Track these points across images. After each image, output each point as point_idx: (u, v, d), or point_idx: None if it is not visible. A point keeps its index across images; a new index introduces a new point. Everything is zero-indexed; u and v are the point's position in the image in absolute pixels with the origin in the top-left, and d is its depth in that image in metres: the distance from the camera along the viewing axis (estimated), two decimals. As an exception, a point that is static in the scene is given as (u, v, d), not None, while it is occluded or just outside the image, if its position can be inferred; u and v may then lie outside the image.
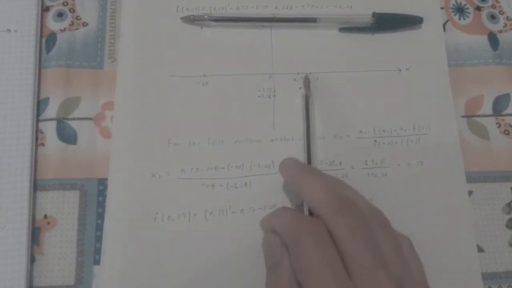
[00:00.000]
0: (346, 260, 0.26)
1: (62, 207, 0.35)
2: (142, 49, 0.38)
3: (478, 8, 0.41)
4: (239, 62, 0.38)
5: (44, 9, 0.39)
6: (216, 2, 0.40)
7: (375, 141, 0.37)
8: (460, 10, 0.41)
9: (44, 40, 0.38)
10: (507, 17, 0.41)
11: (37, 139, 0.36)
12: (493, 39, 0.40)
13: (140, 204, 0.35)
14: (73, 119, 0.37)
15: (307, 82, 0.37)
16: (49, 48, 0.38)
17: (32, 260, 0.34)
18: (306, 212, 0.31)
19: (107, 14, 0.39)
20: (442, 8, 0.41)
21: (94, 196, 0.35)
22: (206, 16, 0.39)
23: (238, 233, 0.34)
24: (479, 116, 0.38)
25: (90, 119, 0.37)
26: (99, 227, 0.34)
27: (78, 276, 0.33)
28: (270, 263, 0.31)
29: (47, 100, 0.37)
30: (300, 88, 0.38)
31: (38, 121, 0.36)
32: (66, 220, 0.35)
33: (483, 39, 0.40)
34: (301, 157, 0.35)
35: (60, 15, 0.39)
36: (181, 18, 0.39)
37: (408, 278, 0.27)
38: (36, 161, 0.35)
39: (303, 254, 0.27)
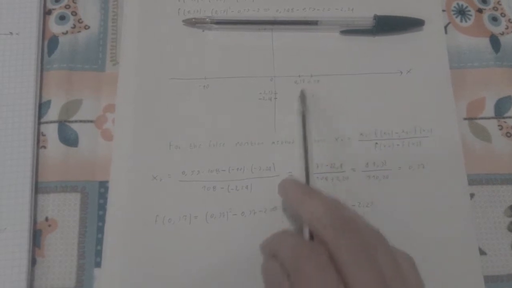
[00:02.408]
0: (348, 283, 0.26)
1: (63, 209, 0.35)
2: (144, 52, 0.38)
3: (480, 10, 0.41)
4: (240, 64, 0.38)
5: (46, 12, 0.39)
6: (217, 5, 0.40)
7: (376, 143, 0.37)
8: (461, 12, 0.41)
9: (46, 43, 0.39)
10: (509, 19, 0.41)
11: (39, 141, 0.36)
12: (494, 41, 0.40)
13: (141, 206, 0.35)
14: (75, 121, 0.37)
15: (303, 98, 0.36)
16: (51, 51, 0.38)
17: (33, 262, 0.34)
18: (306, 235, 0.30)
19: (109, 17, 0.40)
20: (443, 10, 0.41)
21: (95, 198, 0.35)
22: (207, 19, 0.39)
23: (239, 236, 0.34)
24: (481, 118, 0.38)
25: (91, 121, 0.37)
26: (100, 230, 0.34)
27: (79, 278, 0.34)
28: None
29: (48, 102, 0.37)
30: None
31: (39, 123, 0.37)
32: (67, 222, 0.35)
33: (485, 42, 0.40)
34: (301, 160, 0.35)
35: (62, 18, 0.39)
36: (183, 21, 0.39)
37: None
38: (37, 164, 0.36)
39: (304, 281, 0.27)
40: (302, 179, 0.33)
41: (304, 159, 0.34)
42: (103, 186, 0.35)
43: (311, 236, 0.30)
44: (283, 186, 0.33)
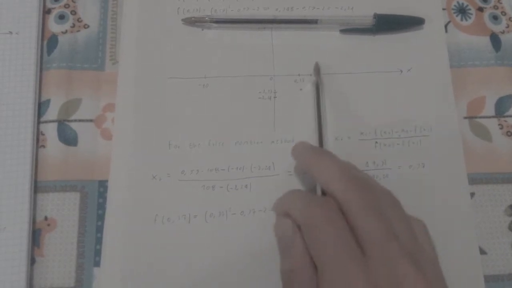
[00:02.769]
0: (358, 235, 0.26)
1: (63, 208, 0.35)
2: (143, 51, 0.38)
3: (480, 9, 0.41)
4: (239, 63, 0.38)
5: (46, 12, 0.39)
6: (217, 4, 0.40)
7: (376, 142, 0.37)
8: (462, 11, 0.41)
9: (45, 42, 0.39)
10: (510, 18, 0.41)
11: (38, 140, 0.36)
12: (495, 40, 0.40)
13: (141, 206, 0.35)
14: (74, 121, 0.37)
15: (317, 69, 0.37)
16: (50, 50, 0.38)
17: (32, 261, 0.34)
18: (318, 192, 0.31)
19: (108, 16, 0.39)
20: (444, 9, 0.41)
21: (94, 198, 0.35)
22: (207, 18, 0.39)
23: (238, 235, 0.34)
24: (481, 117, 0.38)
25: (91, 121, 0.37)
26: (100, 229, 0.34)
27: (78, 278, 0.33)
28: (283, 246, 0.31)
29: (48, 102, 0.37)
30: (301, 89, 0.38)
31: (39, 123, 0.37)
32: (66, 221, 0.35)
33: (485, 40, 0.40)
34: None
35: (61, 17, 0.39)
36: (182, 20, 0.39)
37: (421, 255, 0.27)
38: (36, 163, 0.35)
39: (315, 231, 0.27)
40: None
41: (318, 126, 0.35)
42: (103, 185, 0.35)
43: (323, 195, 0.30)
44: (297, 148, 0.34)
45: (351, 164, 0.32)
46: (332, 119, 0.37)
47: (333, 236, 0.26)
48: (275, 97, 0.38)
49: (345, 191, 0.28)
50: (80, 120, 0.37)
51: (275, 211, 0.34)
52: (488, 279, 0.34)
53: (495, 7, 0.41)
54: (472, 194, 0.36)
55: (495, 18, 0.41)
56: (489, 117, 0.38)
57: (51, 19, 0.39)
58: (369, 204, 0.27)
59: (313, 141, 0.35)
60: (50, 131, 0.36)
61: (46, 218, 0.35)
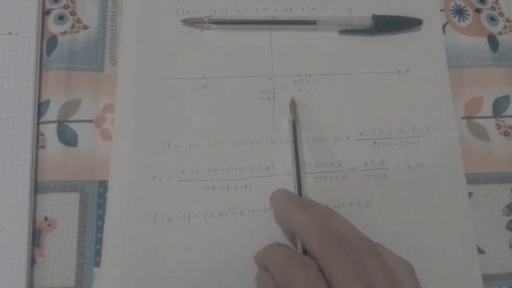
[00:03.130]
0: None
1: (63, 209, 0.35)
2: (143, 52, 0.38)
3: (478, 10, 0.41)
4: (239, 64, 0.38)
5: (45, 12, 0.39)
6: (216, 5, 0.40)
7: (375, 142, 0.37)
8: (459, 12, 0.41)
9: (45, 43, 0.39)
10: (507, 19, 0.41)
11: (38, 141, 0.36)
12: (492, 41, 0.40)
13: (140, 206, 0.35)
14: (74, 121, 0.37)
15: (293, 106, 0.36)
16: (50, 51, 0.38)
17: (32, 262, 0.34)
18: (299, 248, 0.31)
19: (107, 17, 0.40)
20: (441, 10, 0.41)
21: (94, 198, 0.35)
22: (206, 19, 0.39)
23: (238, 235, 0.34)
24: (479, 117, 0.38)
25: (90, 121, 0.37)
26: (100, 229, 0.34)
27: (79, 278, 0.34)
28: None
29: (47, 102, 0.37)
30: (300, 90, 0.38)
31: (39, 123, 0.37)
32: (66, 222, 0.35)
33: (483, 41, 0.40)
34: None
35: (61, 18, 0.39)
36: (182, 20, 0.39)
37: None
38: (36, 163, 0.36)
39: None
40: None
41: (296, 169, 0.34)
42: (103, 185, 0.35)
43: (304, 251, 0.30)
44: (275, 198, 0.33)
45: (329, 212, 0.31)
46: (331, 120, 0.37)
47: None
48: (274, 98, 0.38)
49: (323, 251, 0.28)
50: (79, 121, 0.37)
51: (256, 262, 0.33)
52: (486, 278, 0.34)
53: (492, 8, 0.42)
54: (470, 194, 0.36)
55: (492, 19, 0.41)
56: (487, 117, 0.38)
57: (51, 19, 0.39)
58: (347, 263, 0.27)
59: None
60: (50, 131, 0.36)
61: (46, 219, 0.35)
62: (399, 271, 0.28)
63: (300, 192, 0.33)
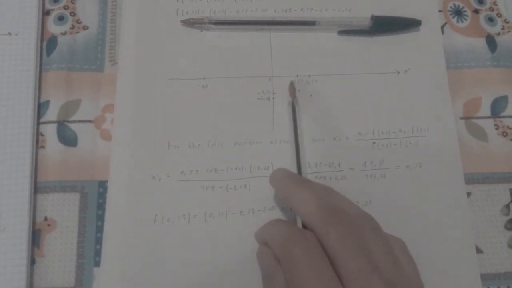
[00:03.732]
0: (338, 269, 0.26)
1: (63, 209, 0.35)
2: (142, 52, 0.38)
3: (476, 11, 0.42)
4: (238, 64, 0.38)
5: (45, 13, 0.40)
6: (215, 6, 0.40)
7: (374, 143, 0.37)
8: (458, 12, 0.41)
9: (45, 43, 0.39)
10: (505, 20, 0.41)
11: (38, 141, 0.36)
12: (491, 42, 0.41)
13: (140, 206, 0.35)
14: (74, 121, 0.37)
15: (292, 89, 0.37)
16: (49, 51, 0.38)
17: (32, 262, 0.34)
18: (299, 223, 0.31)
19: (107, 17, 0.40)
20: (440, 10, 0.41)
21: (94, 198, 0.35)
22: (205, 20, 0.39)
23: (237, 235, 0.34)
24: (477, 118, 0.39)
25: (90, 121, 0.37)
26: (99, 229, 0.34)
27: (78, 278, 0.34)
28: (264, 275, 0.31)
29: (47, 103, 0.37)
30: (299, 90, 0.38)
31: (38, 123, 0.37)
32: (66, 222, 0.35)
33: (481, 42, 0.41)
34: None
35: (60, 18, 0.39)
36: (181, 21, 0.39)
37: (402, 281, 0.27)
38: (36, 164, 0.36)
39: (294, 267, 0.27)
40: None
41: (296, 149, 0.34)
42: (102, 185, 0.35)
43: (304, 226, 0.30)
44: (274, 177, 0.33)
45: (328, 189, 0.31)
46: (330, 120, 0.37)
47: (311, 272, 0.26)
48: (273, 98, 0.38)
49: (323, 225, 0.28)
50: (79, 121, 0.37)
51: (256, 239, 0.33)
52: (484, 277, 0.35)
53: (491, 9, 0.42)
54: (469, 194, 0.36)
55: (490, 20, 0.41)
56: (485, 117, 0.39)
57: (51, 20, 0.39)
58: (347, 236, 0.27)
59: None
60: (50, 132, 0.36)
61: (46, 219, 0.35)
62: (395, 246, 0.29)
63: (299, 172, 0.33)
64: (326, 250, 0.27)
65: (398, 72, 0.39)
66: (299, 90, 0.38)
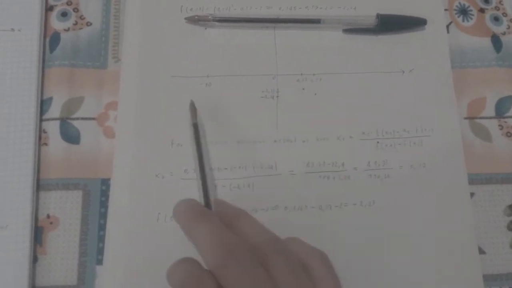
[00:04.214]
0: None
1: (65, 207, 0.35)
2: (146, 49, 0.38)
3: (482, 10, 0.41)
4: (242, 62, 0.38)
5: (48, 9, 0.39)
6: (220, 3, 0.40)
7: (378, 142, 0.37)
8: (463, 12, 0.41)
9: (47, 39, 0.38)
10: (511, 19, 0.41)
11: (40, 138, 0.36)
12: (496, 41, 0.40)
13: (143, 204, 0.35)
14: (77, 119, 0.37)
15: (193, 109, 0.35)
16: (52, 48, 0.38)
17: (34, 259, 0.34)
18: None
19: (111, 14, 0.39)
20: (445, 9, 0.41)
21: (97, 196, 0.35)
22: (210, 17, 0.39)
23: (240, 234, 0.34)
24: (481, 118, 0.38)
25: (93, 119, 0.37)
26: (102, 227, 0.34)
27: (81, 276, 0.34)
28: None
29: (50, 99, 0.37)
30: (303, 89, 0.38)
31: (41, 120, 0.36)
32: (69, 220, 0.35)
33: (487, 41, 0.40)
34: (301, 160, 0.36)
35: (64, 14, 0.39)
36: (185, 18, 0.39)
37: None
38: (39, 161, 0.35)
39: None
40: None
41: (200, 174, 0.32)
42: (105, 183, 0.35)
43: None
44: (177, 210, 0.31)
45: (236, 215, 0.30)
46: (334, 119, 0.37)
47: None
48: (277, 96, 0.38)
49: (218, 267, 0.27)
50: (82, 118, 0.37)
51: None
52: (487, 278, 0.35)
53: (496, 8, 0.41)
54: (472, 194, 0.36)
55: (496, 19, 0.41)
56: (490, 117, 0.39)
57: (54, 16, 0.39)
58: (243, 278, 0.26)
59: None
60: (53, 129, 0.36)
61: (48, 216, 0.35)
62: (311, 262, 0.28)
63: (206, 200, 0.31)
64: None
65: (403, 71, 0.39)
66: (303, 89, 0.38)
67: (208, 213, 0.30)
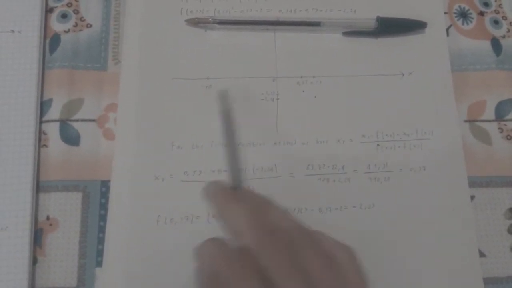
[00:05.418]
0: None
1: (65, 208, 0.35)
2: (146, 51, 0.38)
3: (481, 13, 0.41)
4: (242, 65, 0.38)
5: (48, 10, 0.39)
6: (220, 5, 0.40)
7: (378, 145, 0.37)
8: (463, 15, 0.41)
9: (48, 41, 0.38)
10: (510, 23, 0.41)
11: (40, 140, 0.36)
12: (496, 44, 0.40)
13: (143, 206, 0.35)
14: (76, 120, 0.37)
15: (223, 96, 0.32)
16: (52, 49, 0.38)
17: (34, 261, 0.34)
18: (234, 243, 0.29)
19: (111, 15, 0.39)
20: (445, 13, 0.41)
21: (96, 198, 0.35)
22: (210, 19, 0.39)
23: (240, 236, 0.34)
24: (481, 121, 0.39)
25: (93, 120, 0.37)
26: (102, 229, 0.34)
27: (80, 278, 0.33)
28: None
29: (50, 101, 0.37)
30: (303, 91, 0.38)
31: (41, 122, 0.36)
32: (68, 221, 0.34)
33: (486, 44, 0.40)
34: (301, 163, 0.36)
35: (64, 16, 0.39)
36: (185, 20, 0.39)
37: None
38: (39, 163, 0.35)
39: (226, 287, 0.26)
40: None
41: (231, 159, 0.31)
42: (105, 185, 0.35)
43: None
44: (207, 191, 0.31)
45: (263, 203, 0.30)
46: (334, 122, 0.37)
47: None
48: (277, 99, 0.38)
49: (257, 244, 0.26)
50: (82, 120, 0.37)
51: (193, 256, 0.31)
52: (487, 281, 0.35)
53: (496, 12, 0.42)
54: (472, 197, 0.36)
55: (496, 22, 0.41)
56: (489, 120, 0.39)
57: (54, 18, 0.39)
58: (281, 258, 0.26)
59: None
60: (52, 130, 0.36)
61: (48, 218, 0.35)
62: (339, 258, 0.28)
63: (235, 184, 0.31)
64: (262, 270, 0.26)
65: (403, 74, 0.39)
66: (303, 91, 0.38)
67: (243, 194, 0.30)
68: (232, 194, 0.30)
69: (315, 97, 0.38)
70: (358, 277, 0.28)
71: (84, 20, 0.39)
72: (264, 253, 0.26)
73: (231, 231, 0.28)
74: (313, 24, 0.39)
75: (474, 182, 0.37)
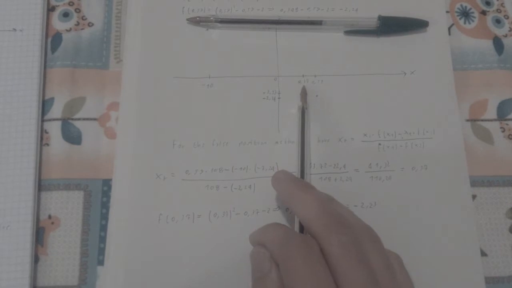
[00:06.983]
0: (337, 278, 0.26)
1: (66, 207, 0.35)
2: (148, 50, 0.38)
3: (483, 12, 0.41)
4: (244, 64, 0.38)
5: (50, 9, 0.39)
6: (222, 4, 0.40)
7: (380, 144, 0.37)
8: (465, 14, 0.41)
9: (49, 40, 0.38)
10: (512, 22, 0.41)
11: (42, 139, 0.36)
12: (498, 44, 0.40)
13: (144, 205, 0.35)
14: (78, 119, 0.37)
15: (304, 94, 0.37)
16: (54, 48, 0.38)
17: (36, 260, 0.34)
18: (297, 228, 0.31)
19: (112, 14, 0.39)
20: (447, 12, 0.41)
21: (98, 196, 0.35)
22: (212, 18, 0.39)
23: (241, 235, 0.34)
24: (483, 120, 0.38)
25: (95, 119, 0.37)
26: (103, 228, 0.34)
27: (82, 276, 0.34)
28: (257, 276, 0.30)
29: (52, 100, 0.37)
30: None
31: (43, 121, 0.36)
32: (70, 220, 0.35)
33: (488, 43, 0.40)
34: (298, 154, 0.35)
35: (65, 15, 0.39)
36: (187, 19, 0.39)
37: None
38: (40, 161, 0.35)
39: (294, 271, 0.26)
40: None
41: (301, 154, 0.34)
42: (107, 184, 0.35)
43: (301, 230, 0.30)
44: (277, 178, 0.33)
45: (331, 198, 0.31)
46: (336, 121, 0.37)
47: (311, 279, 0.26)
48: (279, 98, 0.38)
49: (325, 231, 0.27)
50: (84, 119, 0.37)
51: (251, 242, 0.32)
52: (488, 280, 0.34)
53: (498, 11, 0.41)
54: (474, 197, 0.36)
55: (498, 21, 0.41)
56: (491, 120, 0.39)
57: (55, 16, 0.39)
58: (349, 245, 0.27)
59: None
60: (54, 129, 0.36)
61: (50, 217, 0.35)
62: (392, 261, 0.29)
63: (303, 176, 0.33)
64: (326, 257, 0.27)
65: (405, 73, 0.39)
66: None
67: (311, 185, 0.32)
68: (304, 183, 0.32)
69: (317, 96, 0.38)
70: (409, 281, 0.29)
71: (86, 18, 0.39)
72: (332, 240, 0.27)
73: (301, 217, 0.29)
74: (315, 23, 0.39)
75: (475, 182, 0.37)
